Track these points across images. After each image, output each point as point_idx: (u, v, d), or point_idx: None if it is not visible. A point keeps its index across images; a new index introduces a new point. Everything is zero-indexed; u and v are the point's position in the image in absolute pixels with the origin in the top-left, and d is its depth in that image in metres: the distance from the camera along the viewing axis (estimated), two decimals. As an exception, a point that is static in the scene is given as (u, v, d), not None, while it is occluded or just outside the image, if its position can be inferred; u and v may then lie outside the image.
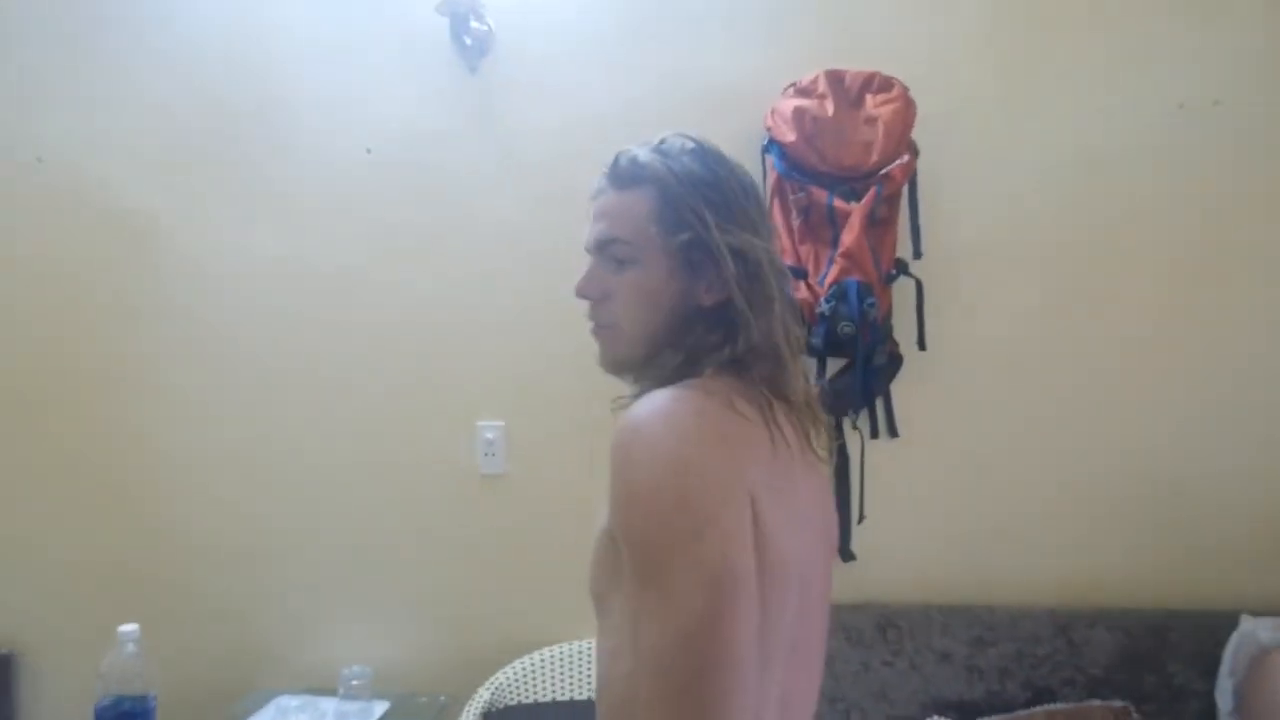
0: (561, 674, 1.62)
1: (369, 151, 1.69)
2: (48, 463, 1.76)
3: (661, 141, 0.78)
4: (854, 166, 1.48)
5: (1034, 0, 1.61)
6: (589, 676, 1.61)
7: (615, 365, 0.79)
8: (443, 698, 1.62)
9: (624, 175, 0.76)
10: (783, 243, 1.52)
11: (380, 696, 1.59)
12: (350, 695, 1.57)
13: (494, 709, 1.54)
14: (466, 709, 1.51)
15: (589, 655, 1.62)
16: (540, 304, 1.67)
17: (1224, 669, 1.45)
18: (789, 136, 1.49)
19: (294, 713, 1.55)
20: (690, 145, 0.77)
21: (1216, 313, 1.59)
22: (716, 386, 0.70)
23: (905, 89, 1.51)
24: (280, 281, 1.70)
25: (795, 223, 1.51)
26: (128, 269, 1.74)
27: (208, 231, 1.72)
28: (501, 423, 1.68)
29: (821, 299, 1.44)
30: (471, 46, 1.65)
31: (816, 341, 1.43)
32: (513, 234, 1.68)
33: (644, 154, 0.76)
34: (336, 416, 1.70)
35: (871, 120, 1.49)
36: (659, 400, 0.66)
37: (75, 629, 1.74)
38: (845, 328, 1.40)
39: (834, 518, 0.85)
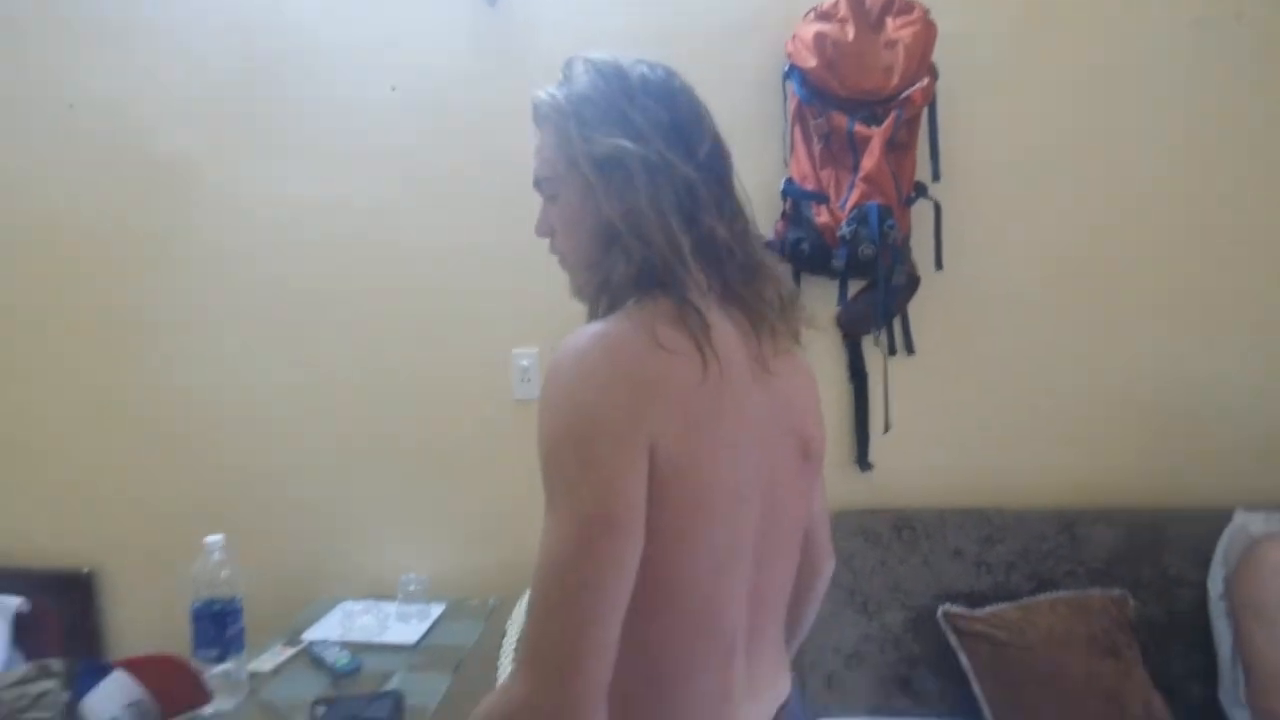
0: (601, 578, 1.76)
1: (394, 89, 1.73)
2: (108, 397, 1.88)
3: (568, 66, 0.80)
4: (874, 91, 1.51)
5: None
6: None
7: (578, 294, 0.83)
8: (492, 600, 1.77)
9: (536, 115, 0.81)
10: (804, 167, 1.58)
11: (436, 600, 1.74)
12: (409, 599, 1.72)
13: (541, 609, 1.68)
14: (518, 606, 1.65)
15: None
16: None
17: (1217, 558, 1.56)
18: (810, 62, 1.52)
19: (359, 615, 1.70)
20: (589, 66, 0.78)
21: (1218, 227, 1.64)
22: (642, 316, 0.72)
23: (925, 10, 1.53)
24: (316, 218, 1.77)
25: (816, 148, 1.56)
26: (168, 212, 1.81)
27: (242, 172, 1.78)
28: (535, 350, 1.78)
29: (843, 222, 1.50)
30: (492, -22, 1.67)
31: (838, 263, 1.50)
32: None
33: (545, 90, 0.80)
34: (380, 347, 1.79)
35: (892, 44, 1.52)
36: (578, 339, 0.70)
37: (151, 548, 1.89)
38: (866, 250, 1.47)
39: (813, 417, 0.87)
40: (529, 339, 1.77)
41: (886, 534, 1.66)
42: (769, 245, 1.60)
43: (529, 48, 1.70)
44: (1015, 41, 1.63)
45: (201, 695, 1.27)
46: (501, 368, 1.78)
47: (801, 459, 0.84)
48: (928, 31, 1.52)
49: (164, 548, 1.87)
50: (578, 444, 0.66)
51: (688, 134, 0.77)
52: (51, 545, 1.91)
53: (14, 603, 1.79)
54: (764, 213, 1.64)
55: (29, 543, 1.91)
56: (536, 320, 1.77)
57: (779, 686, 0.87)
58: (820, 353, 1.64)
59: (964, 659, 1.53)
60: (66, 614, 1.90)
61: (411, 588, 1.71)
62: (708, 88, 0.82)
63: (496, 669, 1.54)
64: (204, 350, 1.84)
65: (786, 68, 1.58)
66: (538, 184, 0.82)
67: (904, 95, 1.50)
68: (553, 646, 0.64)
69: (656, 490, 0.68)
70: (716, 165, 0.79)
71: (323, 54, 1.73)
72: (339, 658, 1.50)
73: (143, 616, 1.91)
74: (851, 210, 1.49)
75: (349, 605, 1.75)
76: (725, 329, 0.75)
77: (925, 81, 1.52)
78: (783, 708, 0.86)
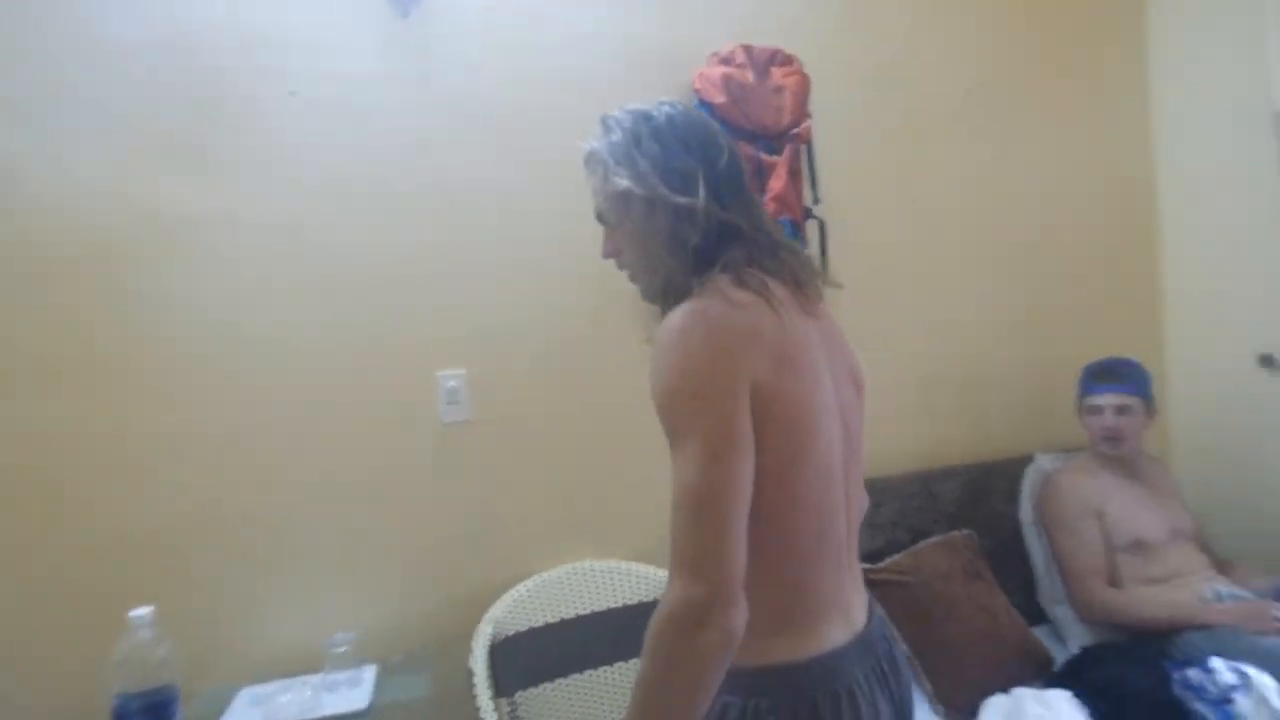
0: (547, 599, 1.70)
1: (293, 94, 1.57)
2: None
3: (603, 121, 0.98)
4: (771, 126, 1.77)
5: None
6: (574, 597, 1.72)
7: (648, 298, 1.00)
8: (420, 648, 1.61)
9: (585, 162, 0.99)
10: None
11: (366, 661, 1.54)
12: (337, 665, 1.49)
13: (497, 640, 1.58)
14: (475, 643, 1.53)
15: (568, 580, 1.73)
16: (494, 254, 1.71)
17: (1025, 493, 2.04)
18: (719, 98, 1.73)
19: (274, 697, 1.43)
20: (615, 121, 0.97)
21: (1002, 251, 2.18)
22: (712, 289, 0.89)
23: (801, 63, 1.83)
24: (209, 236, 1.52)
25: (727, 172, 1.76)
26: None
27: (89, 175, 1.46)
28: (463, 371, 1.70)
29: (761, 235, 1.71)
30: (404, -10, 1.62)
31: (763, 270, 1.71)
32: (463, 183, 1.69)
33: (589, 141, 0.98)
34: (290, 378, 1.57)
35: (779, 89, 1.79)
36: (674, 318, 0.87)
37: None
38: (785, 257, 1.69)
39: (854, 356, 1.04)
40: (455, 360, 1.69)
41: (801, 511, 1.87)
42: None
43: (439, 59, 1.67)
44: (859, 95, 2.01)
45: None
46: (426, 390, 1.67)
47: (855, 388, 1.02)
48: (805, 80, 1.82)
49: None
50: (693, 392, 0.83)
51: (706, 151, 0.95)
52: None
53: None
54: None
55: None
56: (463, 340, 1.70)
57: (865, 595, 1.02)
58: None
59: (879, 607, 1.78)
60: None
61: (342, 649, 1.50)
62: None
63: (476, 707, 1.42)
64: (77, 397, 1.44)
65: (695, 102, 1.77)
66: (599, 217, 1.00)
67: (794, 131, 1.78)
68: (697, 549, 0.79)
69: (764, 415, 0.84)
70: (735, 170, 0.97)
71: (213, 53, 1.51)
72: (289, 741, 1.27)
73: None
74: (767, 225, 1.71)
75: (252, 691, 1.47)
76: (777, 285, 0.92)
77: (808, 122, 1.81)
78: (871, 611, 1.00)
